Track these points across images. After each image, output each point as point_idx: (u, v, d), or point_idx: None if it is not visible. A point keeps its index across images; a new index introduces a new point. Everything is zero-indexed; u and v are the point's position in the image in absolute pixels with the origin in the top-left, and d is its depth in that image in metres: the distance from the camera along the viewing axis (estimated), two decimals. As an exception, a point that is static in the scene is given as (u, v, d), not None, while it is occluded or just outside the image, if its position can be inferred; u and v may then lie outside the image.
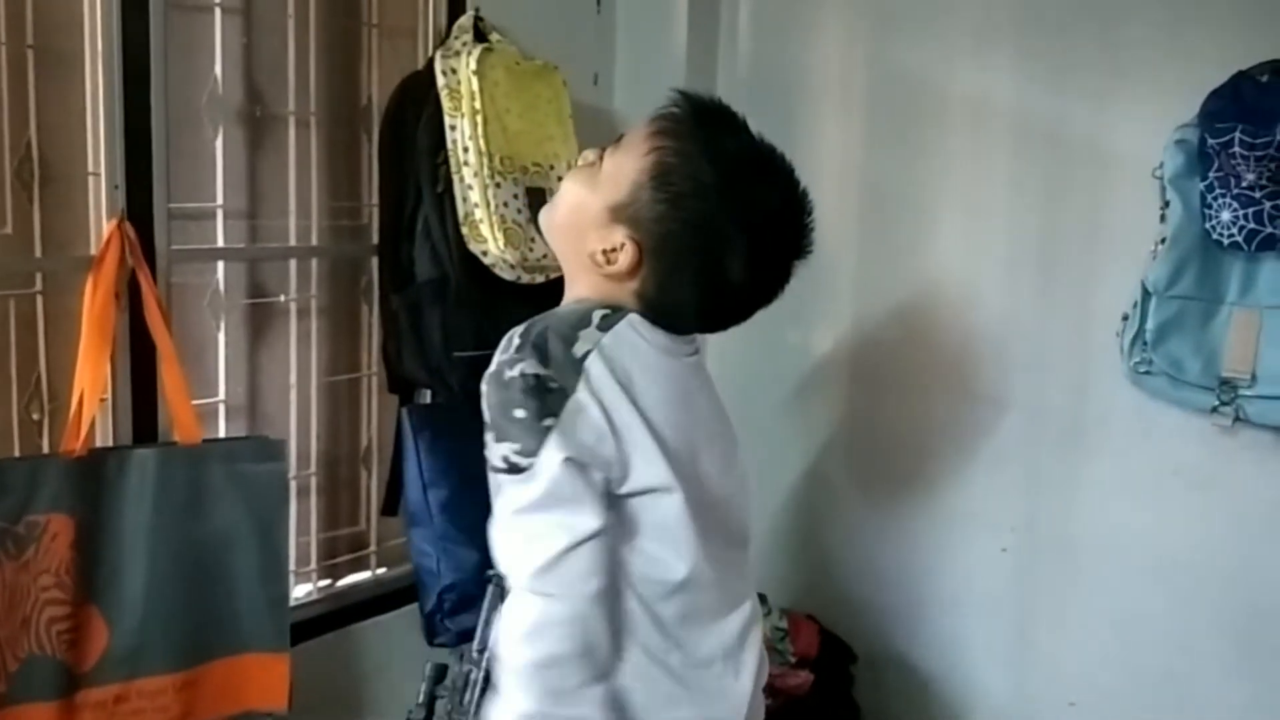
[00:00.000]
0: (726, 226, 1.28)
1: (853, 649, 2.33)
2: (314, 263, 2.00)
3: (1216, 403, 1.92)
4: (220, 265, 1.89)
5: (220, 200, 1.87)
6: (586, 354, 1.27)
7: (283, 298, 1.97)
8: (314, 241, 1.99)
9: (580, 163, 1.39)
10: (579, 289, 1.37)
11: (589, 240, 1.32)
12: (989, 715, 2.30)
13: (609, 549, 1.24)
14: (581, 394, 1.25)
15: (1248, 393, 1.90)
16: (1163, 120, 1.95)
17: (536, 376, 1.23)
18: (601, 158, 1.34)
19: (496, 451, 1.26)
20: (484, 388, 1.28)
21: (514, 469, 1.24)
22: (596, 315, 1.30)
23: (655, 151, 1.28)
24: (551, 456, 1.22)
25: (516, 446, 1.24)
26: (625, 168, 1.30)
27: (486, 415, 1.27)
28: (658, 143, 1.29)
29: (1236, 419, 1.91)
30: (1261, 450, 1.95)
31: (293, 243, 1.96)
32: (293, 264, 1.97)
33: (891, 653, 2.38)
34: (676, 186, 1.27)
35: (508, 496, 1.26)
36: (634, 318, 1.31)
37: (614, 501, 1.26)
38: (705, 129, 1.31)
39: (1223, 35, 1.94)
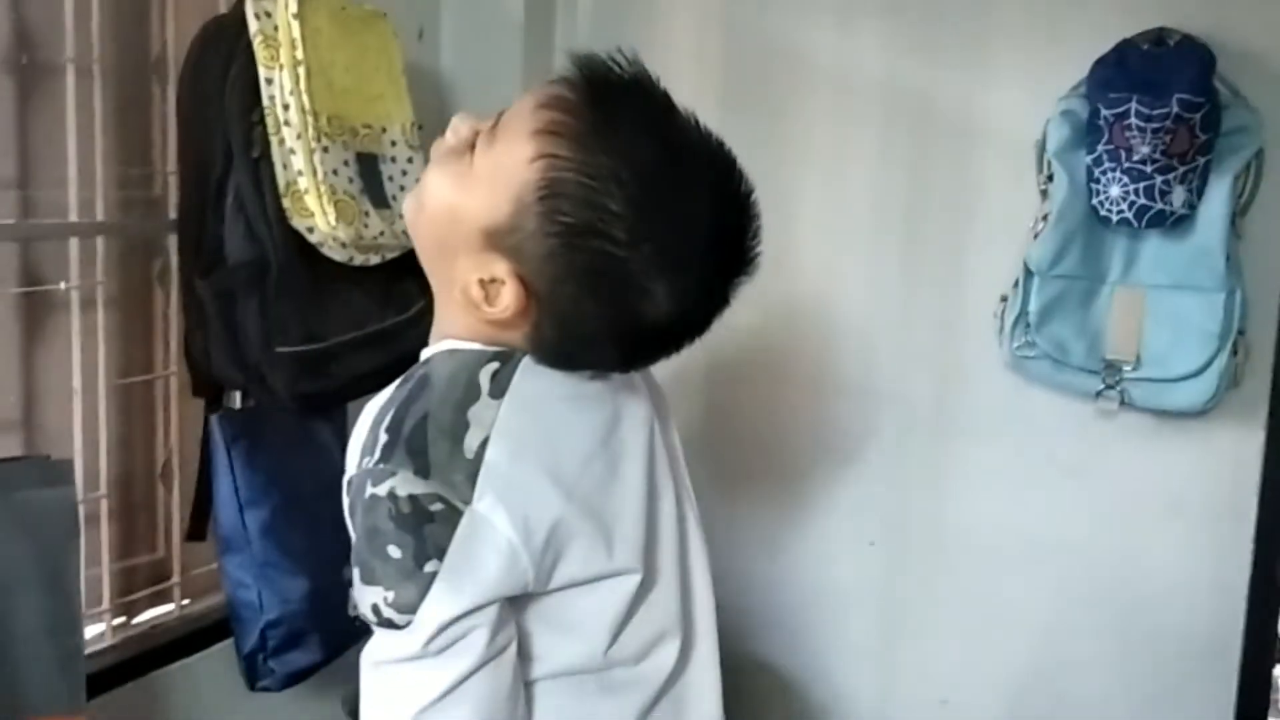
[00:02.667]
0: (639, 271, 0.96)
1: (714, 657, 2.17)
2: (99, 242, 1.66)
3: (1101, 386, 1.84)
4: (-16, 245, 1.54)
5: (-18, 165, 1.52)
6: (483, 444, 0.97)
7: (63, 285, 1.62)
8: (99, 216, 1.64)
9: (450, 136, 1.05)
10: (451, 323, 1.07)
11: (459, 263, 1.02)
12: (857, 716, 2.19)
13: (510, 662, 1.00)
14: (482, 504, 0.95)
15: (1132, 375, 1.83)
16: (1038, 91, 1.87)
17: (412, 499, 0.94)
18: (474, 143, 1.02)
19: (364, 596, 0.96)
20: (345, 498, 1.01)
21: (386, 624, 0.95)
22: (485, 376, 1.01)
23: (544, 160, 0.96)
24: (436, 614, 0.94)
25: (389, 595, 0.94)
26: (503, 174, 0.98)
27: (352, 536, 0.99)
28: (545, 146, 0.96)
29: (1122, 403, 1.84)
30: (1142, 435, 1.90)
31: (74, 218, 1.61)
32: (74, 244, 1.62)
33: (752, 657, 2.23)
34: (571, 217, 0.95)
35: (379, 642, 0.98)
36: (527, 362, 1.04)
37: (523, 600, 1.01)
38: (612, 125, 0.97)
39: (1098, 2, 1.86)
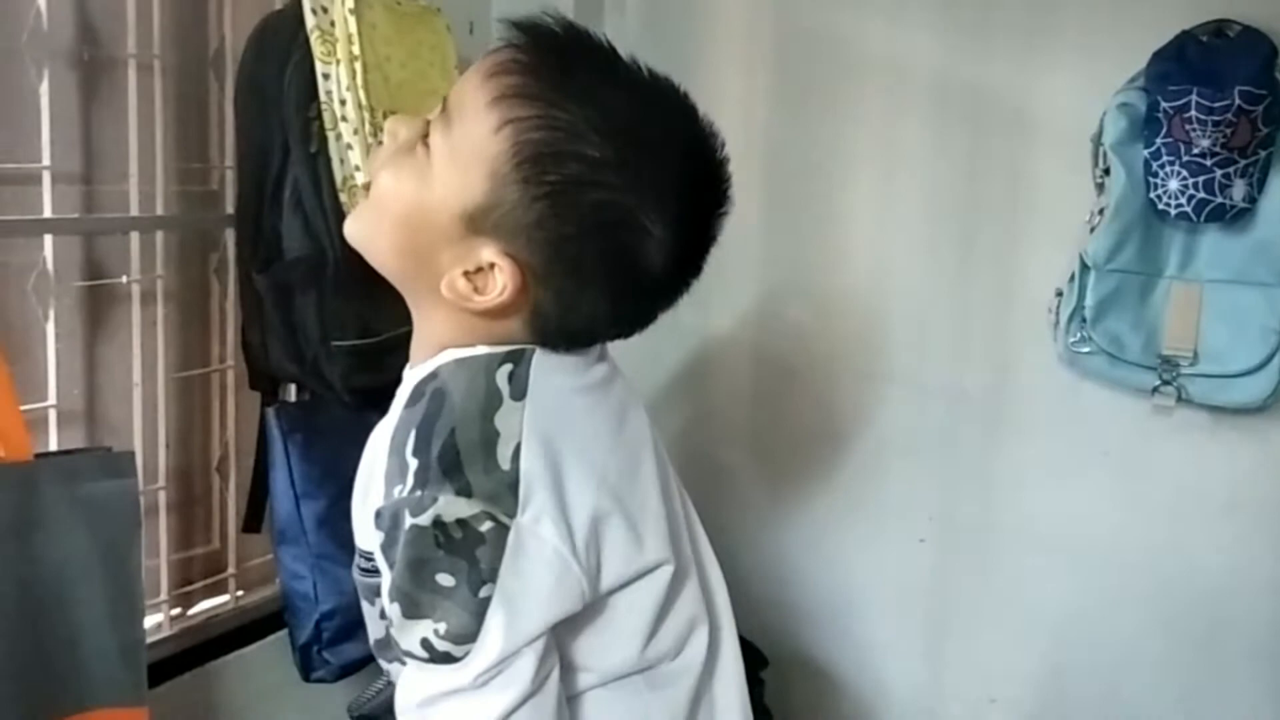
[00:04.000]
0: (637, 210, 0.94)
1: (762, 653, 2.17)
2: (159, 236, 1.67)
3: (1158, 382, 1.82)
4: (48, 240, 1.54)
5: (47, 160, 1.51)
6: (516, 451, 0.93)
7: (124, 279, 1.63)
8: (159, 210, 1.65)
9: (386, 139, 1.01)
10: (443, 330, 1.01)
11: (439, 260, 0.97)
12: (905, 714, 2.18)
13: (554, 688, 0.97)
14: (525, 516, 0.91)
15: (1189, 371, 1.81)
16: (1094, 83, 1.85)
17: (461, 523, 0.90)
18: (425, 134, 0.97)
19: (410, 632, 0.92)
20: (375, 531, 0.95)
21: (441, 658, 0.91)
22: (502, 379, 0.96)
23: (510, 126, 0.91)
24: (497, 640, 0.90)
25: (441, 627, 0.90)
26: (468, 152, 0.93)
27: (384, 572, 0.95)
28: (510, 111, 0.92)
29: (1179, 399, 1.82)
30: (1199, 431, 1.88)
31: (135, 212, 1.62)
32: (135, 238, 1.63)
33: (800, 653, 2.23)
34: (556, 174, 0.92)
35: (418, 681, 0.94)
36: (539, 357, 0.99)
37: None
38: (569, 75, 0.94)
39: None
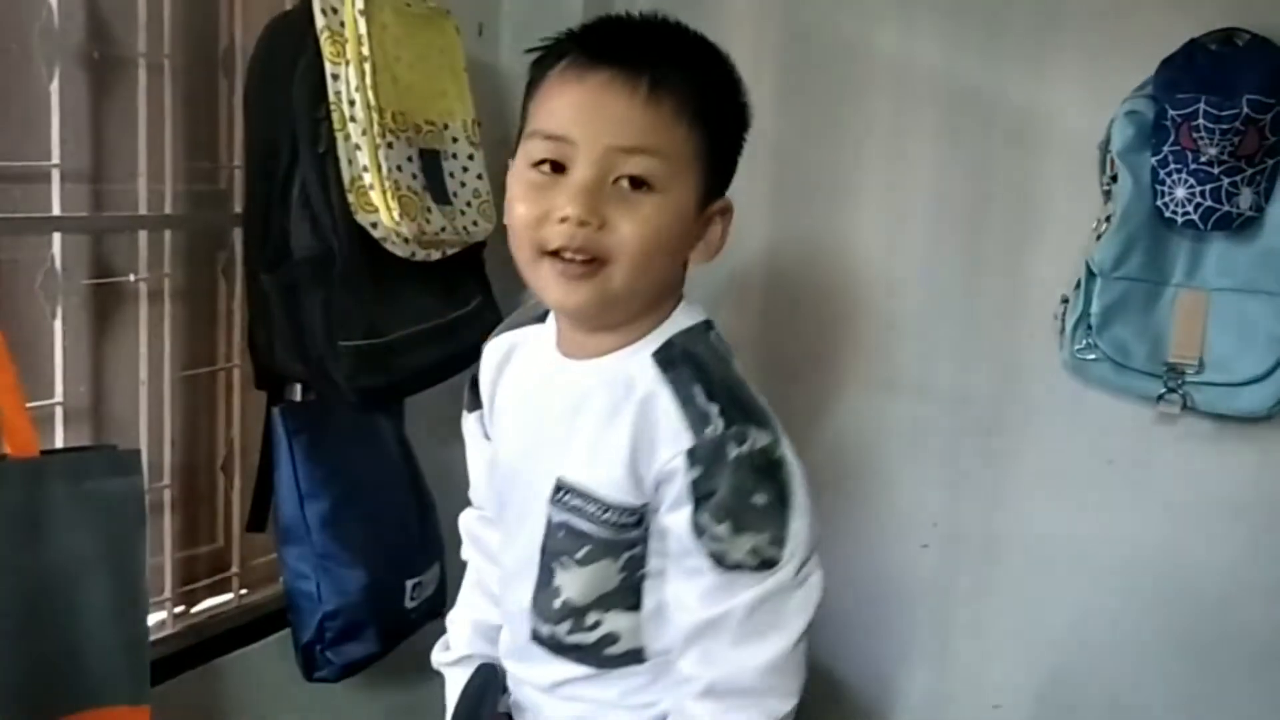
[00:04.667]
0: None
1: (765, 657, 2.17)
2: (167, 235, 1.67)
3: (1163, 390, 1.82)
4: (57, 238, 1.54)
5: (56, 159, 1.52)
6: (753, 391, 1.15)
7: (132, 277, 1.63)
8: (168, 209, 1.66)
9: (577, 213, 1.06)
10: (649, 318, 1.17)
11: (684, 246, 1.15)
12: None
13: None
14: (784, 443, 1.11)
15: (1195, 379, 1.81)
16: (1102, 91, 1.85)
17: (764, 450, 1.09)
18: (628, 178, 1.08)
19: (738, 545, 1.08)
20: (691, 469, 1.08)
21: (765, 564, 1.09)
22: (716, 338, 1.18)
23: (693, 123, 1.10)
24: (805, 542, 1.10)
25: (764, 538, 1.08)
26: (680, 167, 1.10)
27: (682, 507, 1.10)
28: (685, 114, 1.10)
29: (1184, 407, 1.82)
30: (1202, 440, 1.87)
31: (143, 211, 1.63)
32: (143, 236, 1.63)
33: (803, 658, 2.22)
34: (731, 121, 1.17)
35: (740, 592, 1.08)
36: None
37: None
38: (683, 57, 1.12)
39: (1165, 2, 1.83)
